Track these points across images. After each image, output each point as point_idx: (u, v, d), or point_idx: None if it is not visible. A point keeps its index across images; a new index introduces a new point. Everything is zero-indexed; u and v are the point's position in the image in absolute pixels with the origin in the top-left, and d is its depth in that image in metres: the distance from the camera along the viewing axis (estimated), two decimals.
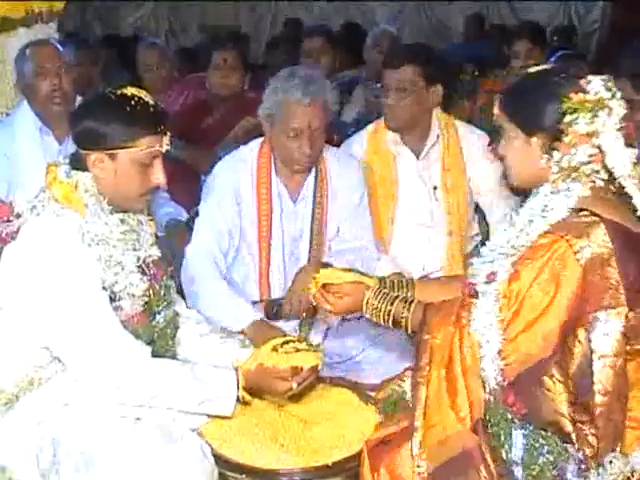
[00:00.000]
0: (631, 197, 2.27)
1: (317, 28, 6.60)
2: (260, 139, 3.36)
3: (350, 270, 2.70)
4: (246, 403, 2.55)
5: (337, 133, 4.31)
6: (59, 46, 3.90)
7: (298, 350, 2.59)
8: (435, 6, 12.34)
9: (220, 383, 2.51)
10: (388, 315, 2.47)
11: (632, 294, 2.17)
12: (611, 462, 2.18)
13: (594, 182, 2.27)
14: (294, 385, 2.54)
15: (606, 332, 2.15)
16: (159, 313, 2.62)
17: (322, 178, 3.35)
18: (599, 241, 2.17)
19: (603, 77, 2.28)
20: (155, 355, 2.52)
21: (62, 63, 3.78)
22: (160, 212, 3.78)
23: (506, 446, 2.22)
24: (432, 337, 2.28)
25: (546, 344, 2.17)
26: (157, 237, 2.72)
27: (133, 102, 2.43)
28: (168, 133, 2.50)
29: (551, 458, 2.19)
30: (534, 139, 2.30)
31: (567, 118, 2.24)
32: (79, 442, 2.40)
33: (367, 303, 2.52)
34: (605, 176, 2.29)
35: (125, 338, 2.44)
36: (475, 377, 2.23)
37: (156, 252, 2.65)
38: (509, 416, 2.22)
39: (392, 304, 2.47)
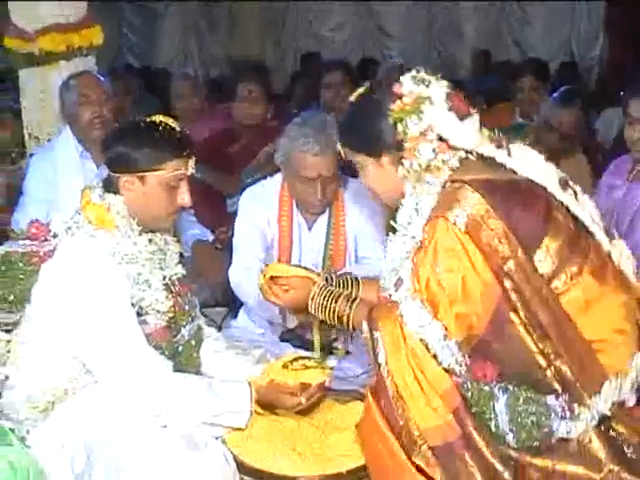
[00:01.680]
0: (494, 158, 2.22)
1: (337, 62, 6.57)
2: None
3: (299, 266, 2.65)
4: (259, 414, 2.54)
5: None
6: (100, 77, 3.92)
7: (307, 367, 2.59)
8: (445, 42, 12.35)
9: (235, 397, 2.50)
10: (333, 312, 2.39)
11: (535, 232, 2.13)
12: (598, 393, 2.13)
13: (450, 165, 2.21)
14: (302, 400, 2.53)
15: (523, 277, 2.10)
16: (184, 327, 2.61)
17: (337, 211, 3.26)
18: (470, 202, 2.11)
19: (412, 73, 2.22)
20: (179, 367, 2.51)
21: (103, 92, 3.82)
22: (187, 234, 3.77)
23: (493, 421, 2.14)
24: (379, 332, 2.19)
25: (485, 313, 2.11)
26: (182, 256, 2.71)
27: (161, 128, 2.44)
28: (193, 157, 2.49)
29: (534, 419, 2.12)
30: (383, 159, 2.26)
31: (399, 128, 2.18)
32: (110, 448, 2.37)
33: (312, 299, 2.44)
34: (463, 153, 2.23)
35: (148, 353, 2.43)
36: (433, 368, 2.13)
37: (181, 270, 2.64)
38: (487, 390, 2.14)
39: (336, 301, 2.39)
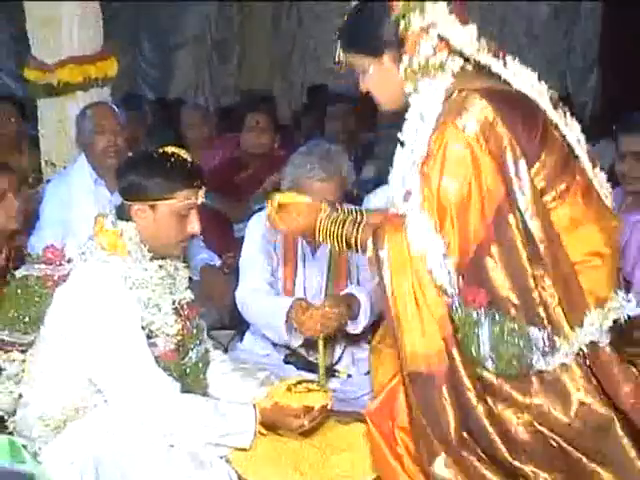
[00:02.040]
0: (490, 67, 2.19)
1: (342, 95, 6.62)
2: None
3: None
4: (263, 435, 2.52)
5: (358, 189, 4.28)
6: (115, 107, 3.95)
7: (310, 390, 2.58)
8: None
9: (240, 419, 2.48)
10: (340, 236, 2.33)
11: (533, 146, 2.11)
12: (580, 326, 2.11)
13: (451, 70, 2.17)
14: (305, 422, 2.52)
15: (521, 187, 2.08)
16: (192, 350, 2.60)
17: None
18: (479, 107, 2.08)
19: None
20: (187, 388, 2.51)
21: (117, 122, 3.85)
22: (196, 258, 3.77)
23: (474, 346, 2.11)
24: (385, 249, 2.16)
25: (484, 223, 2.09)
26: (191, 280, 2.72)
27: (172, 159, 2.45)
28: (203, 187, 2.50)
29: (515, 351, 2.09)
30: (385, 57, 2.20)
31: (402, 24, 2.14)
32: (118, 465, 2.36)
33: (320, 224, 2.39)
34: (461, 61, 2.19)
35: (157, 374, 2.43)
36: (432, 292, 2.10)
37: (190, 295, 2.64)
38: (474, 317, 2.11)
39: (343, 226, 2.33)
